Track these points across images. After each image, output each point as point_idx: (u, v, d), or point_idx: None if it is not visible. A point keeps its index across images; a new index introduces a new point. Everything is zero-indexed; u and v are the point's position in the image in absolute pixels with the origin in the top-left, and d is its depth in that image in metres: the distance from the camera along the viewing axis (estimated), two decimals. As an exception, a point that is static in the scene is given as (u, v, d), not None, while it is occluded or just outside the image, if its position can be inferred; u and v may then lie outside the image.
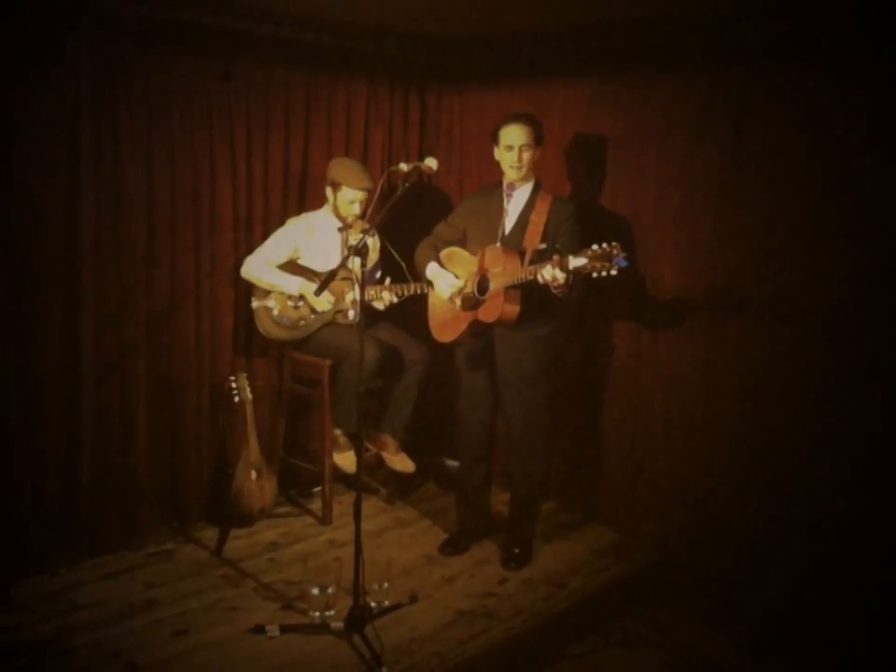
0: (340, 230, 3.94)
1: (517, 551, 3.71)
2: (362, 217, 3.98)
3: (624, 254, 2.89)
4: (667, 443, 3.87)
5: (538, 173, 3.55)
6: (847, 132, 3.18)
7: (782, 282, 3.42)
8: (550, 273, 3.05)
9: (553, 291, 3.13)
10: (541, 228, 3.41)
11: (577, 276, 3.03)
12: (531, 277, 3.15)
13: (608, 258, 2.90)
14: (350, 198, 3.89)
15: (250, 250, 3.98)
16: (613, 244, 2.90)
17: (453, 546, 3.82)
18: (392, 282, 3.94)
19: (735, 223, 3.55)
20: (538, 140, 3.44)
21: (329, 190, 3.96)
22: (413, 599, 3.33)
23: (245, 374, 3.84)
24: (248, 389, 3.78)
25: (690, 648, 3.28)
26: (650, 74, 3.76)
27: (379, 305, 3.89)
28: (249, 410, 3.78)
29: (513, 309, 3.33)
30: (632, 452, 4.01)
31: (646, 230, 3.86)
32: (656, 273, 3.84)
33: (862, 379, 3.20)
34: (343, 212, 3.93)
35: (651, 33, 3.61)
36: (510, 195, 3.50)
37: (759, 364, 3.52)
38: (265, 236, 4.02)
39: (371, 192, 3.87)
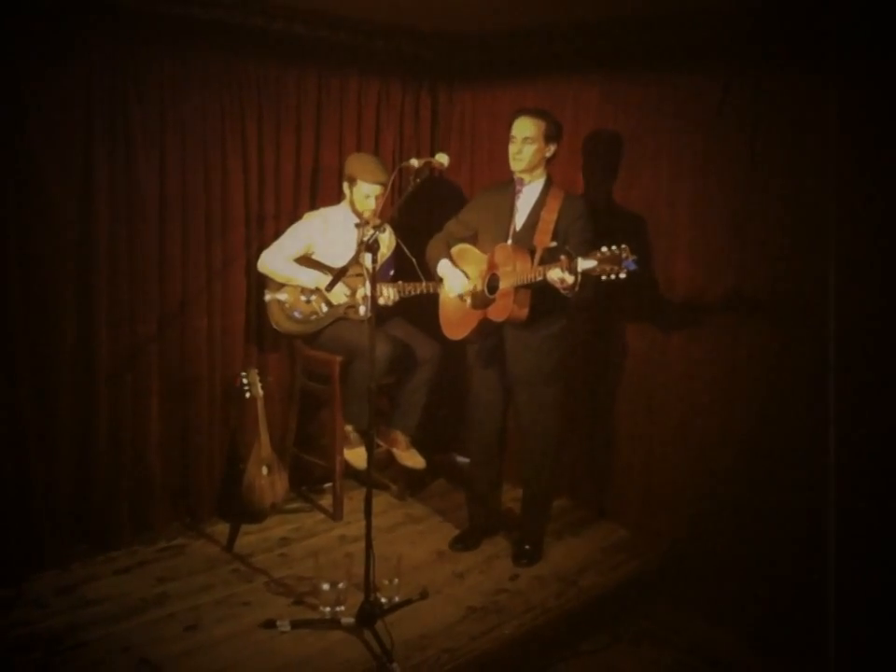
0: (357, 225, 3.92)
1: (528, 547, 3.71)
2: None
3: (634, 257, 2.85)
4: (679, 441, 3.86)
5: (550, 169, 3.53)
6: (864, 130, 3.14)
7: (798, 282, 3.38)
8: (558, 275, 3.04)
9: (562, 292, 3.12)
10: (552, 226, 3.38)
11: (585, 278, 3.01)
12: (540, 278, 3.14)
13: (616, 260, 2.86)
14: (365, 192, 3.88)
15: (262, 246, 3.98)
16: (623, 246, 2.87)
17: (464, 542, 3.82)
18: (402, 278, 3.93)
19: (750, 222, 3.52)
20: (547, 136, 3.41)
21: (345, 185, 3.96)
22: (424, 595, 3.33)
23: (257, 370, 3.83)
24: (259, 385, 3.78)
25: (701, 645, 3.28)
26: (663, 71, 3.73)
27: (381, 301, 3.87)
28: (260, 406, 3.78)
29: (523, 309, 3.32)
30: (644, 449, 4.00)
31: (659, 228, 3.84)
32: (669, 271, 3.82)
33: (878, 382, 3.18)
34: (360, 207, 3.92)
35: (665, 30, 3.59)
36: (520, 192, 3.49)
37: (772, 364, 3.49)
38: (277, 233, 4.03)
39: (386, 187, 3.88)
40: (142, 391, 3.70)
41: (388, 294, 3.82)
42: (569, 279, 3.01)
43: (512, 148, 3.42)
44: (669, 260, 3.83)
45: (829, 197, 3.26)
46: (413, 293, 3.84)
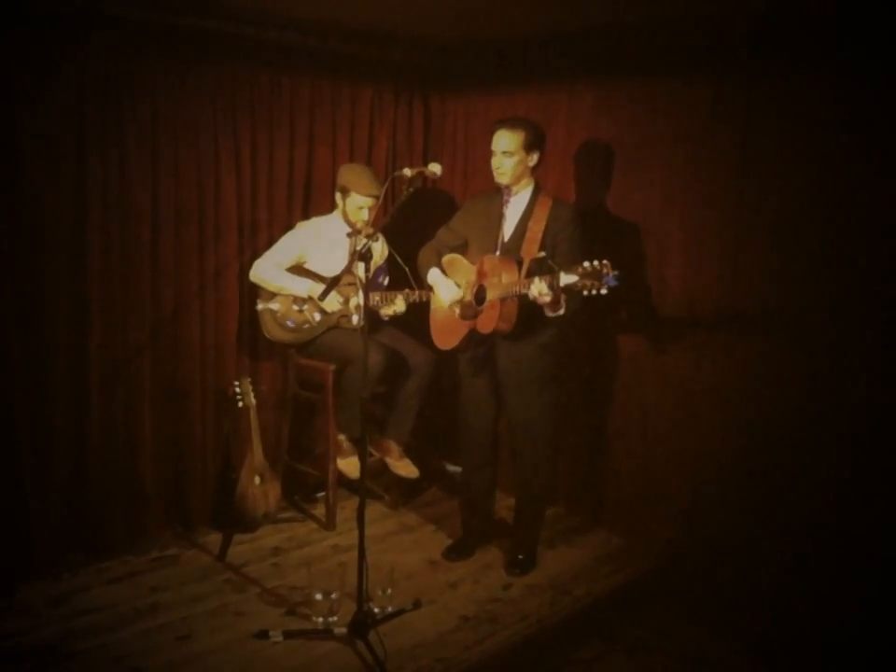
0: (349, 235, 3.93)
1: (521, 557, 3.70)
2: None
3: (615, 272, 2.85)
4: (673, 449, 3.86)
5: (539, 176, 3.51)
6: (856, 137, 3.15)
7: (792, 291, 3.38)
8: (536, 289, 3.05)
9: (547, 313, 3.12)
10: (540, 235, 3.36)
11: (570, 293, 3.01)
12: (525, 291, 3.13)
13: (597, 276, 2.86)
14: (359, 204, 3.89)
15: (255, 255, 3.98)
16: (604, 262, 2.86)
17: (457, 551, 3.81)
18: (394, 287, 3.93)
19: (742, 230, 3.52)
20: (528, 146, 3.35)
21: (338, 196, 3.96)
22: (417, 605, 3.32)
23: (249, 379, 3.83)
24: (252, 394, 3.78)
25: (695, 653, 3.27)
26: (655, 78, 3.74)
27: (391, 312, 3.87)
28: (252, 415, 3.78)
29: (508, 321, 3.31)
30: (638, 457, 4.00)
31: (652, 236, 3.84)
32: (663, 278, 3.83)
33: (873, 392, 3.18)
34: (352, 218, 3.92)
35: (657, 37, 3.60)
36: (507, 201, 3.47)
37: (766, 373, 3.49)
38: (270, 241, 4.03)
39: (379, 199, 3.88)
40: (135, 399, 3.70)
41: (398, 304, 3.81)
42: (547, 294, 3.02)
43: (494, 162, 3.39)
44: (662, 268, 3.83)
45: (822, 203, 3.27)
46: (420, 300, 3.81)
